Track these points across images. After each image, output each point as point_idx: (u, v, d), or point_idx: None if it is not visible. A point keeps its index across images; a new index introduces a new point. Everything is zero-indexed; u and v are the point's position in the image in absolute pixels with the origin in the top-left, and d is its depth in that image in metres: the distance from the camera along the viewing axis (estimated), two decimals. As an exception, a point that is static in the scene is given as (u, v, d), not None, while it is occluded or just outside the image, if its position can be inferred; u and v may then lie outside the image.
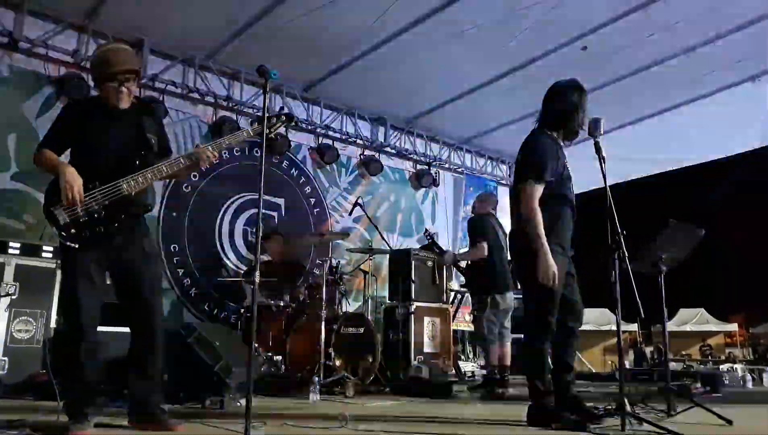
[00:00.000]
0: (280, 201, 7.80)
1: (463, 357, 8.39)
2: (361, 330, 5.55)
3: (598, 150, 3.32)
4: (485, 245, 5.74)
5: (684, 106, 8.02)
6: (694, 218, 4.02)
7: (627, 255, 3.12)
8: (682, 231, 3.93)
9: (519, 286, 4.20)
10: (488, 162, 10.28)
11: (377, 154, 8.70)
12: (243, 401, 3.10)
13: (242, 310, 6.06)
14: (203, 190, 6.98)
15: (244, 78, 7.27)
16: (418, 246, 7.56)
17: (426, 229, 7.55)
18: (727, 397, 5.29)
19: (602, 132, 3.33)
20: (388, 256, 7.08)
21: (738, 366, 7.63)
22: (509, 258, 3.69)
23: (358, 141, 8.56)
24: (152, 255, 3.15)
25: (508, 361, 5.83)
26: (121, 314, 3.08)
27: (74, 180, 2.82)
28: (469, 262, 6.20)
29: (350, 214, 7.94)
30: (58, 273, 4.67)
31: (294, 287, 6.24)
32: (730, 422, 3.33)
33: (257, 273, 2.72)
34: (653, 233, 3.91)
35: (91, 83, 3.18)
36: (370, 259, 6.79)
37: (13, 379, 4.41)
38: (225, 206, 7.26)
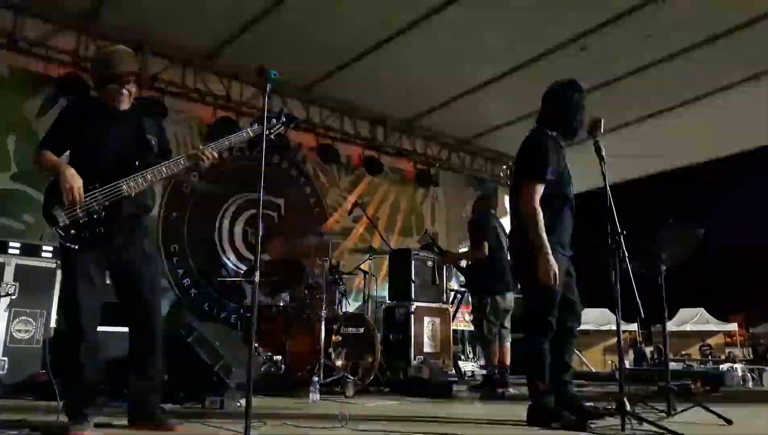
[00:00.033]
0: (280, 201, 7.81)
1: (463, 357, 8.39)
2: (361, 330, 5.55)
3: (598, 150, 3.32)
4: (485, 246, 5.74)
5: (684, 106, 8.01)
6: (693, 218, 4.02)
7: (627, 255, 3.12)
8: (682, 231, 3.93)
9: (519, 286, 4.20)
10: (488, 162, 10.27)
11: (377, 154, 8.70)
12: (243, 401, 3.10)
13: (242, 310, 6.06)
14: (203, 190, 6.98)
15: (244, 78, 7.27)
16: (417, 246, 7.55)
17: (426, 230, 7.56)
18: (727, 397, 5.28)
19: (602, 132, 3.33)
20: (388, 256, 7.08)
21: (738, 366, 7.62)
22: (509, 258, 3.69)
23: (358, 141, 8.56)
24: (152, 255, 3.15)
25: (507, 361, 5.83)
26: (121, 314, 3.08)
27: (74, 181, 2.83)
28: (469, 262, 6.20)
29: (350, 214, 7.94)
30: (58, 273, 4.67)
31: (294, 287, 6.23)
32: (730, 422, 3.33)
33: (257, 273, 2.71)
34: (653, 233, 3.91)
35: (91, 84, 3.17)
36: (370, 259, 6.79)
37: (13, 379, 4.41)
38: (225, 206, 7.27)
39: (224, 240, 7.24)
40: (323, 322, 5.21)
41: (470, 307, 6.20)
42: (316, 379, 4.72)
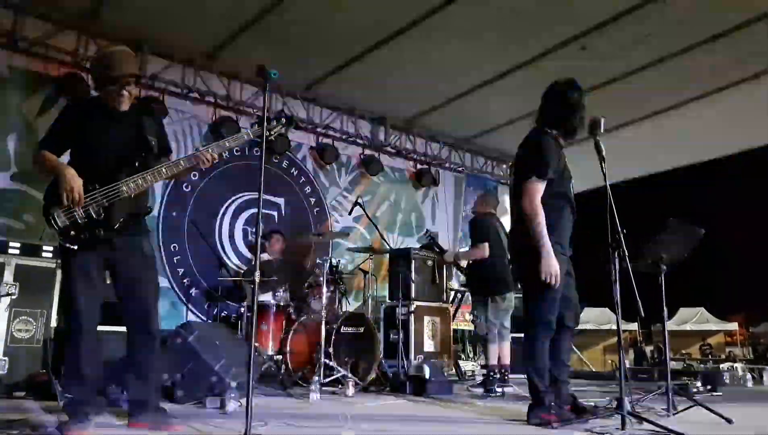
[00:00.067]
0: (280, 200, 7.81)
1: (463, 356, 8.40)
2: (361, 329, 5.55)
3: (598, 149, 3.32)
4: (486, 246, 5.73)
5: (684, 106, 8.02)
6: (694, 217, 4.02)
7: (627, 254, 3.12)
8: (682, 230, 3.93)
9: (519, 286, 4.20)
10: (488, 161, 10.27)
11: (377, 153, 8.70)
12: (243, 401, 3.10)
13: (242, 310, 6.06)
14: (203, 189, 6.99)
15: (243, 78, 7.27)
16: (418, 245, 7.55)
17: (427, 230, 7.56)
18: (727, 396, 5.29)
19: (602, 131, 3.33)
20: (388, 255, 7.07)
21: (738, 365, 7.62)
22: (509, 257, 3.69)
23: (358, 140, 8.56)
24: (151, 257, 3.15)
25: (507, 360, 5.82)
26: (120, 314, 3.08)
27: (74, 182, 2.83)
28: (470, 261, 6.19)
29: (350, 213, 7.94)
30: (58, 273, 4.67)
31: (294, 287, 6.23)
32: (730, 421, 3.33)
33: (257, 272, 2.71)
34: (653, 232, 3.91)
35: (91, 83, 3.17)
36: (370, 259, 6.79)
37: (14, 378, 4.41)
38: (225, 206, 7.27)
39: (224, 239, 7.24)
40: (323, 322, 5.21)
41: (470, 307, 6.20)
42: (316, 378, 4.72)
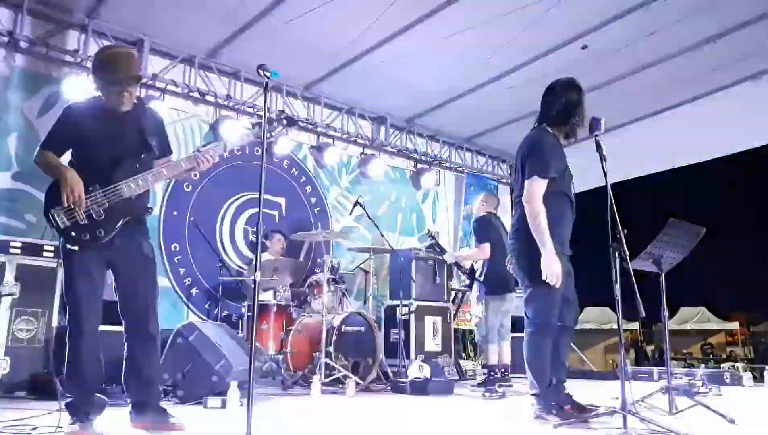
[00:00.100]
0: (281, 200, 7.81)
1: (464, 356, 8.40)
2: (362, 329, 5.55)
3: (599, 148, 3.32)
4: (488, 246, 5.74)
5: (685, 105, 8.01)
6: (694, 217, 4.01)
7: (628, 253, 3.12)
8: (683, 229, 3.92)
9: (520, 285, 4.20)
10: (489, 161, 10.27)
11: (378, 153, 8.70)
12: (244, 400, 3.10)
13: (243, 309, 6.07)
14: (204, 189, 6.98)
15: (244, 77, 7.27)
16: (419, 245, 7.56)
17: (428, 230, 7.56)
18: (728, 396, 5.28)
19: (603, 130, 3.33)
20: (389, 255, 7.08)
21: (739, 365, 7.62)
22: (510, 256, 3.69)
23: (359, 140, 8.55)
24: (151, 258, 3.15)
25: (508, 360, 5.84)
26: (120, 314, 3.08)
27: (75, 183, 2.83)
28: (471, 262, 6.20)
29: (351, 213, 7.93)
30: (60, 272, 4.67)
31: (295, 286, 6.24)
32: (731, 421, 3.33)
33: (258, 272, 2.72)
34: (654, 232, 3.91)
35: (92, 83, 3.17)
36: (371, 259, 6.79)
37: (15, 378, 4.41)
38: (226, 206, 7.27)
39: (225, 239, 7.24)
40: (324, 321, 5.22)
41: (471, 306, 6.20)
42: (317, 378, 4.72)
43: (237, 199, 7.34)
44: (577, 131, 3.56)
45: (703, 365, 12.31)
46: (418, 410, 4.15)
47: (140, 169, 2.99)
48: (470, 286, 6.28)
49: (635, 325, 18.39)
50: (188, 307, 6.71)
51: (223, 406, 3.73)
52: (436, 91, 7.94)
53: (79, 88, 5.83)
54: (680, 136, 8.63)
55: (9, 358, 4.46)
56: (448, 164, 9.68)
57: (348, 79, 7.43)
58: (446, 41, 6.56)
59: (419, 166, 9.36)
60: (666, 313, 3.99)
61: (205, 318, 6.67)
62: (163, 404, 3.12)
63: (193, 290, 6.81)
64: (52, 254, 4.75)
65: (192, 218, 6.84)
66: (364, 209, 7.14)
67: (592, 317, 21.94)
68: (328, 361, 5.15)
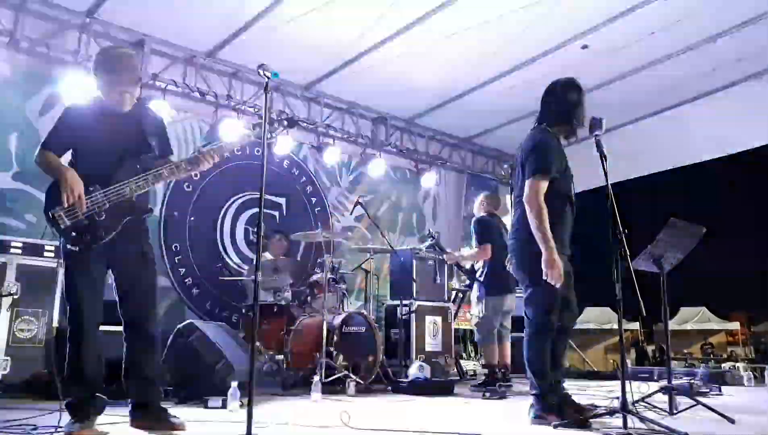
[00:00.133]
0: (282, 200, 7.81)
1: (464, 356, 8.39)
2: (363, 329, 5.55)
3: (599, 148, 3.32)
4: (489, 247, 5.74)
5: (685, 105, 8.01)
6: (695, 216, 4.01)
7: (629, 253, 3.12)
8: (684, 229, 3.92)
9: (520, 285, 4.20)
10: (489, 161, 10.27)
11: (378, 153, 8.70)
12: (244, 400, 3.10)
13: (244, 309, 6.07)
14: (205, 189, 6.99)
15: (244, 77, 7.27)
16: (419, 245, 7.55)
17: (429, 230, 7.56)
18: (728, 396, 5.28)
19: (603, 130, 3.33)
20: (389, 255, 7.08)
21: (740, 364, 7.61)
22: (510, 256, 3.69)
23: (359, 140, 8.55)
24: (151, 258, 3.15)
25: (508, 360, 5.83)
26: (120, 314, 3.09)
27: (75, 184, 2.83)
28: (472, 262, 6.20)
29: (351, 213, 7.95)
30: (60, 272, 4.68)
31: (295, 286, 6.24)
32: (732, 421, 3.33)
33: (259, 272, 2.72)
34: (654, 232, 3.91)
35: (93, 83, 3.17)
36: (372, 258, 6.79)
37: (16, 378, 4.41)
38: (226, 205, 7.27)
39: (226, 239, 7.24)
40: (325, 322, 5.22)
41: (471, 306, 6.20)
42: (317, 378, 4.72)
43: (237, 199, 7.34)
44: (577, 131, 3.56)
45: (703, 365, 12.30)
46: (418, 410, 4.15)
47: (141, 169, 2.99)
48: (470, 286, 6.29)
49: (636, 325, 18.38)
50: (189, 307, 6.72)
51: (224, 406, 3.73)
52: (436, 91, 7.94)
53: (79, 89, 5.83)
54: (680, 136, 8.63)
55: (9, 357, 4.47)
56: (448, 164, 9.68)
57: (348, 79, 7.43)
58: (446, 41, 6.56)
59: (419, 165, 9.35)
60: (667, 313, 3.99)
61: (206, 318, 6.67)
62: (164, 404, 3.12)
63: (194, 290, 6.81)
64: (52, 254, 4.76)
65: (192, 218, 6.85)
66: (364, 209, 7.15)
67: (593, 317, 21.92)
68: (329, 361, 5.15)
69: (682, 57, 6.86)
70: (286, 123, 3.24)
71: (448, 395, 5.11)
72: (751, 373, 7.02)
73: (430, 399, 4.83)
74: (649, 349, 16.39)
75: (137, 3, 5.89)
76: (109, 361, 3.05)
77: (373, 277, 6.95)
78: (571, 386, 3.51)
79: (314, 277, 5.97)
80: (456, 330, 7.40)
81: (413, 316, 6.32)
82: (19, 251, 4.69)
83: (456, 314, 7.25)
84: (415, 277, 6.50)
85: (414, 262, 6.59)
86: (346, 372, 5.12)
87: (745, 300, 23.08)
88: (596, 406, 3.40)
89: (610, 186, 3.22)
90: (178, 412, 3.13)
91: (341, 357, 5.33)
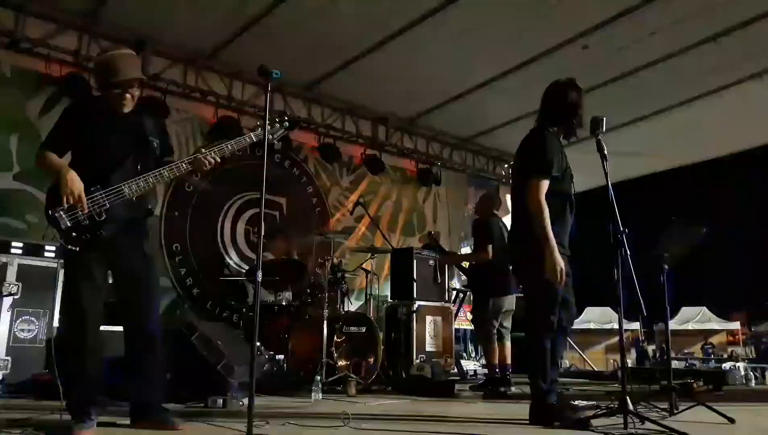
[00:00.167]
0: (282, 200, 7.82)
1: (465, 356, 8.40)
2: (363, 329, 5.55)
3: (599, 148, 3.32)
4: (490, 248, 5.74)
5: (686, 104, 8.01)
6: (695, 216, 4.01)
7: (629, 253, 3.12)
8: (685, 229, 3.92)
9: (520, 285, 4.20)
10: (490, 161, 10.27)
11: (379, 153, 8.70)
12: (245, 400, 3.11)
13: (244, 309, 6.07)
14: (205, 189, 6.99)
15: (245, 77, 7.27)
16: (419, 245, 7.56)
17: (429, 232, 7.57)
18: (729, 396, 5.28)
19: (603, 130, 3.34)
20: (389, 255, 7.08)
21: (740, 364, 7.62)
22: (509, 256, 3.69)
23: (360, 140, 8.56)
24: (151, 257, 3.15)
25: (509, 360, 5.83)
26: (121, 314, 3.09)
27: (75, 184, 2.83)
28: (473, 263, 6.20)
29: (352, 213, 7.95)
30: (61, 272, 4.68)
31: (296, 286, 6.24)
32: (732, 421, 3.33)
33: (259, 272, 2.72)
34: (654, 232, 3.91)
35: (94, 84, 3.18)
36: (372, 258, 6.79)
37: (16, 378, 4.42)
38: (227, 206, 7.28)
39: (226, 239, 7.25)
40: (325, 322, 5.22)
41: (472, 306, 6.20)
42: (318, 378, 4.72)
43: (238, 199, 7.35)
44: (576, 131, 3.56)
45: (704, 365, 12.30)
46: (418, 410, 4.15)
47: (141, 170, 2.99)
48: (471, 287, 6.28)
49: (636, 325, 18.38)
50: (189, 307, 6.72)
51: (224, 406, 3.73)
52: (436, 91, 7.94)
53: (80, 89, 5.84)
54: (680, 136, 8.64)
55: (10, 358, 4.47)
56: (448, 164, 9.68)
57: (349, 79, 7.43)
58: (447, 41, 6.56)
59: (420, 166, 9.36)
60: (668, 312, 3.99)
61: (206, 318, 6.67)
62: (165, 404, 3.12)
63: (194, 290, 6.81)
64: (53, 255, 4.77)
65: (193, 218, 6.85)
66: (365, 209, 7.15)
67: (593, 317, 21.93)
68: (329, 361, 5.16)
69: (682, 57, 6.86)
70: (287, 124, 3.23)
71: (448, 395, 5.11)
72: (751, 372, 7.03)
73: (430, 399, 4.83)
74: (650, 348, 16.37)
75: (138, 3, 5.90)
76: (109, 361, 3.05)
77: (374, 277, 6.95)
78: (571, 386, 3.50)
79: (315, 278, 5.96)
80: (456, 330, 7.40)
81: (414, 316, 6.32)
82: (20, 251, 4.69)
83: (456, 314, 7.25)
84: (415, 277, 6.50)
85: (414, 262, 6.58)
86: (346, 372, 5.12)
87: (746, 300, 23.08)
88: (596, 406, 3.39)
89: (610, 186, 3.22)
90: (179, 411, 3.13)
91: (342, 357, 5.33)
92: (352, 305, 7.00)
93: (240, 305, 6.53)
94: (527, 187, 3.37)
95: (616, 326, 3.33)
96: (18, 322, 4.58)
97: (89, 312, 2.89)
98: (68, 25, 6.10)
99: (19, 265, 4.64)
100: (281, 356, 5.56)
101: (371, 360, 5.41)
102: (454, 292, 7.62)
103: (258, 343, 5.00)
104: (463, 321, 8.28)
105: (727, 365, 7.55)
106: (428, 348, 6.40)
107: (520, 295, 5.61)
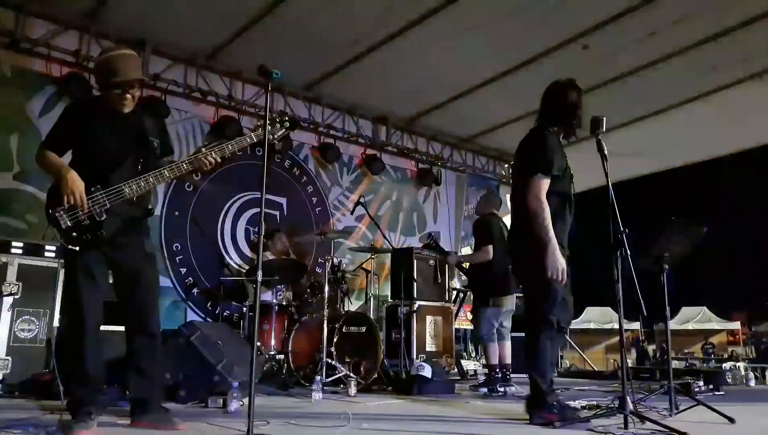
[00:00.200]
0: (282, 200, 7.82)
1: (465, 356, 8.40)
2: (363, 329, 5.55)
3: (600, 148, 3.32)
4: (490, 248, 5.73)
5: (685, 105, 8.01)
6: (695, 216, 4.01)
7: (629, 253, 3.12)
8: (685, 229, 3.92)
9: (520, 285, 4.20)
10: (490, 161, 10.27)
11: (379, 152, 8.71)
12: (245, 400, 3.11)
13: (245, 309, 6.07)
14: (205, 189, 7.00)
15: (245, 77, 7.27)
16: (420, 245, 7.56)
17: (429, 233, 7.57)
18: (729, 396, 5.28)
19: (604, 130, 3.34)
20: (390, 254, 7.08)
21: (740, 364, 7.61)
22: (509, 255, 3.69)
23: (360, 140, 8.56)
24: (152, 257, 3.15)
25: (509, 360, 5.83)
26: (120, 314, 3.09)
27: (75, 184, 2.83)
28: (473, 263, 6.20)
29: (352, 213, 7.96)
30: (61, 272, 4.67)
31: (296, 286, 6.25)
32: (732, 420, 3.33)
33: (260, 272, 2.72)
34: (654, 232, 3.91)
35: (94, 84, 3.18)
36: (372, 258, 6.79)
37: (17, 378, 4.42)
38: (227, 205, 7.28)
39: (227, 239, 7.25)
40: (325, 321, 5.22)
41: (472, 306, 6.20)
42: (318, 378, 4.72)
43: (238, 198, 7.35)
44: (576, 131, 3.57)
45: (704, 365, 12.30)
46: (419, 410, 4.15)
47: (142, 170, 2.99)
48: (471, 286, 6.28)
49: (636, 325, 18.39)
50: (189, 307, 6.72)
51: (224, 405, 3.73)
52: (436, 91, 7.94)
53: (80, 89, 5.84)
54: (680, 136, 8.63)
55: (10, 358, 4.47)
56: (448, 164, 9.69)
57: (349, 79, 7.44)
58: (447, 41, 6.56)
59: (420, 165, 9.36)
60: (668, 312, 3.99)
61: (206, 318, 6.68)
62: (165, 404, 3.12)
63: (194, 290, 6.82)
64: (53, 254, 4.76)
65: (193, 218, 6.85)
66: (365, 209, 7.15)
67: (593, 317, 21.95)
68: (329, 361, 5.16)
69: (681, 57, 6.86)
70: (287, 124, 3.23)
71: (448, 395, 5.11)
72: (751, 372, 7.02)
73: (430, 399, 4.83)
74: (650, 348, 16.38)
75: (138, 3, 5.90)
76: (109, 360, 3.05)
77: (374, 277, 6.95)
78: (571, 386, 3.50)
79: (315, 277, 5.97)
80: (457, 330, 7.40)
81: (414, 315, 6.32)
82: (20, 251, 4.69)
83: (456, 314, 7.25)
84: (415, 276, 6.50)
85: (415, 261, 6.58)
86: (346, 372, 5.13)
87: (746, 300, 23.08)
88: (597, 406, 3.40)
89: (610, 186, 3.22)
90: (179, 411, 3.13)
91: (342, 357, 5.33)
92: (352, 305, 7.00)
93: (240, 305, 6.53)
94: (527, 186, 3.37)
95: (616, 326, 3.33)
96: (18, 321, 4.57)
97: (89, 312, 2.89)
98: (68, 24, 6.10)
99: (20, 265, 4.63)
100: (281, 356, 5.57)
101: (371, 360, 5.41)
102: (455, 292, 7.62)
103: (258, 343, 5.01)
104: (463, 321, 8.28)
105: (727, 365, 7.54)
106: (428, 348, 6.40)
107: (520, 295, 5.60)
